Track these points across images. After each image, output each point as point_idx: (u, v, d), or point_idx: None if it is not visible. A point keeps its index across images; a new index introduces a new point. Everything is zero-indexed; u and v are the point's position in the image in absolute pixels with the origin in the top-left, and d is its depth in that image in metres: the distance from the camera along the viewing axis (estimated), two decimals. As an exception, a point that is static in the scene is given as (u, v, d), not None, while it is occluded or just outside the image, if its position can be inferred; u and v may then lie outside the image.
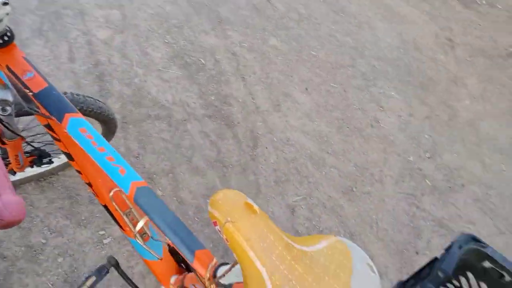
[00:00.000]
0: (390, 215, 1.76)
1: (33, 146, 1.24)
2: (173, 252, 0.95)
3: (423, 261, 1.66)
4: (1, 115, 0.85)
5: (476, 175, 2.01)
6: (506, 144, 2.20)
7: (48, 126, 0.80)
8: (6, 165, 1.25)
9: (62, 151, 0.83)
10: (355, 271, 0.55)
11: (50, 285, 1.28)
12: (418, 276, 0.64)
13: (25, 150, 1.21)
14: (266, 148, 1.85)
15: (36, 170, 1.40)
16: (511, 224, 1.86)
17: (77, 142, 0.72)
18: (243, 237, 0.52)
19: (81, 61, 1.87)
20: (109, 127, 1.31)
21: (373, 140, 2.02)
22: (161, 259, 0.91)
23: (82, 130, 0.74)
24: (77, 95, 1.10)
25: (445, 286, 0.65)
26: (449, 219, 1.80)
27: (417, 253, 1.65)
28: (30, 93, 0.75)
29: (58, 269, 1.32)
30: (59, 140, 0.80)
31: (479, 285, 0.59)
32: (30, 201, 1.44)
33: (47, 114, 0.75)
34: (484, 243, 0.54)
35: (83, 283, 0.84)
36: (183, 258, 0.93)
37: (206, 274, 0.69)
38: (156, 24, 2.17)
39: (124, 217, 0.82)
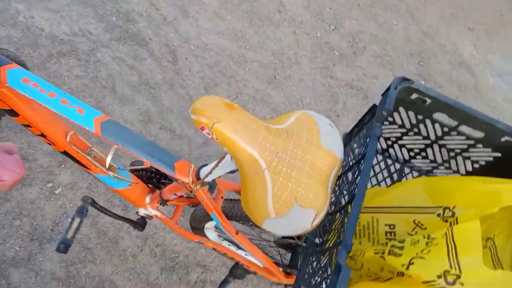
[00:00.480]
0: (311, 90, 1.97)
1: None
2: (139, 175, 1.04)
3: (345, 121, 1.94)
4: None
5: (374, 35, 2.25)
6: (395, 1, 2.44)
7: None
8: None
9: (1, 109, 0.79)
10: (321, 131, 0.69)
11: (17, 248, 1.31)
12: (361, 123, 0.81)
13: None
14: (187, 58, 1.85)
15: None
16: (406, 70, 2.19)
17: (23, 94, 0.71)
18: (232, 132, 0.62)
19: None
20: None
21: (283, 25, 2.11)
22: (133, 184, 0.99)
23: (25, 80, 0.72)
24: None
25: (382, 123, 0.83)
26: (357, 80, 2.07)
27: (338, 116, 1.92)
28: None
29: (19, 231, 1.33)
30: None
31: (407, 114, 0.78)
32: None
33: None
34: (412, 80, 0.70)
35: (69, 226, 0.91)
36: (150, 177, 1.03)
37: (189, 179, 0.80)
38: None
39: (87, 156, 0.86)
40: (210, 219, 1.01)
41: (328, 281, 0.59)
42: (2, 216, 1.32)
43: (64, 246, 0.89)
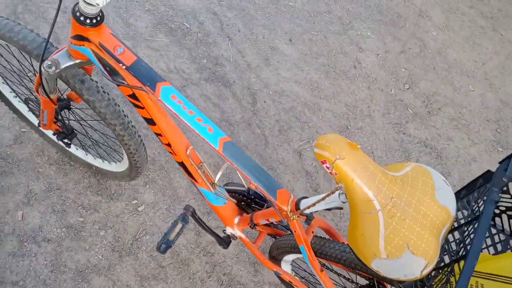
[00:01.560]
0: (382, 144, 1.97)
1: (67, 121, 1.28)
2: (234, 197, 1.10)
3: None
4: (45, 69, 0.91)
5: (449, 98, 2.25)
6: (471, 66, 2.44)
7: (132, 96, 0.88)
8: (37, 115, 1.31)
9: (143, 117, 0.92)
10: (436, 186, 0.71)
11: (100, 257, 1.40)
12: (472, 186, 0.81)
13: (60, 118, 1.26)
14: (265, 101, 1.97)
15: (56, 140, 1.42)
16: (482, 136, 2.13)
17: (170, 108, 0.83)
18: (351, 169, 0.67)
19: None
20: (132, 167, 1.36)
21: (358, 80, 2.18)
22: (226, 204, 1.06)
23: (173, 96, 0.85)
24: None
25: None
26: (431, 139, 2.05)
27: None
28: (123, 66, 0.82)
29: (103, 241, 1.44)
30: (141, 108, 0.90)
31: None
32: (57, 185, 1.51)
33: (140, 84, 0.83)
34: None
35: (172, 229, 0.98)
36: (244, 201, 1.09)
37: (287, 207, 0.84)
38: (132, -7, 2.14)
39: (198, 170, 0.96)
40: (293, 252, 1.03)
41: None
42: (90, 225, 1.43)
43: (165, 247, 0.96)
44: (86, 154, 1.47)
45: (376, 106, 2.11)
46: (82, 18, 0.80)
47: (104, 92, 1.04)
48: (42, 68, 0.92)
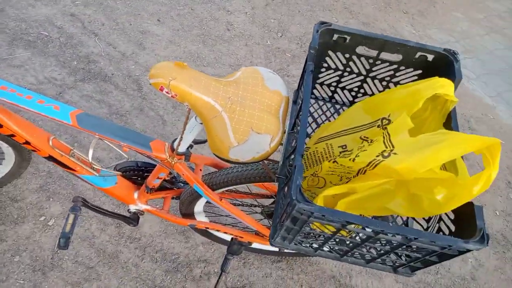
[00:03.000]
0: (273, 91, 2.10)
1: None
2: (124, 175, 1.11)
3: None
4: None
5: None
6: (330, 1, 2.67)
7: None
8: None
9: None
10: (265, 77, 0.81)
11: (21, 282, 1.34)
12: (303, 75, 0.91)
13: None
14: (150, 84, 1.97)
15: None
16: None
17: (5, 100, 0.80)
18: (187, 85, 0.73)
19: None
20: (22, 153, 1.28)
21: (235, 41, 2.27)
22: (117, 183, 1.06)
23: (3, 87, 0.81)
24: None
25: (320, 72, 0.94)
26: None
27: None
28: None
29: (20, 266, 1.36)
30: None
31: (337, 56, 0.89)
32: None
33: None
34: (330, 23, 0.82)
35: (66, 222, 0.97)
36: (134, 173, 1.11)
37: (166, 154, 0.88)
38: (-28, 15, 1.96)
39: (71, 158, 0.94)
40: (196, 198, 1.08)
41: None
42: (0, 256, 1.34)
43: (64, 240, 0.95)
44: None
45: (258, 59, 2.22)
46: None
47: None
48: None
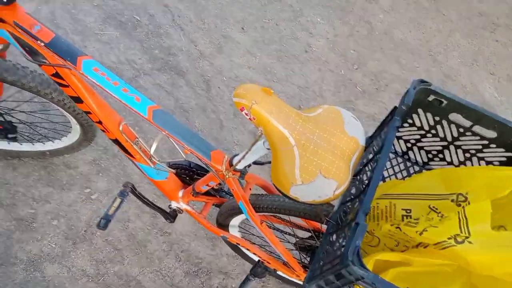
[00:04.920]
0: (336, 122, 2.06)
1: (3, 118, 1.27)
2: (176, 172, 1.13)
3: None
4: None
5: (396, 75, 2.36)
6: (416, 45, 2.57)
7: (56, 75, 0.89)
8: None
9: (70, 96, 0.93)
10: (346, 121, 0.78)
11: (53, 246, 1.40)
12: (383, 124, 0.89)
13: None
14: (219, 87, 2.01)
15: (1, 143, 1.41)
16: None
17: (94, 81, 0.84)
18: (267, 112, 0.72)
19: (14, 37, 1.83)
20: (87, 134, 1.35)
21: (309, 63, 2.26)
22: (168, 178, 1.09)
23: (95, 69, 0.86)
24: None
25: (402, 126, 0.91)
26: (379, 113, 2.15)
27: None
28: (42, 44, 0.82)
29: (56, 230, 1.43)
30: (67, 86, 0.90)
31: (426, 116, 0.85)
32: (5, 180, 1.49)
33: (61, 61, 0.84)
34: (429, 83, 0.79)
35: (111, 205, 1.00)
36: (186, 173, 1.12)
37: (222, 167, 0.89)
38: (79, -12, 2.12)
39: (134, 146, 0.98)
40: (236, 213, 1.08)
41: (345, 240, 0.64)
42: (42, 216, 1.42)
43: (105, 222, 0.98)
44: (33, 144, 1.45)
45: (327, 86, 2.19)
46: None
47: (23, 67, 1.03)
48: None
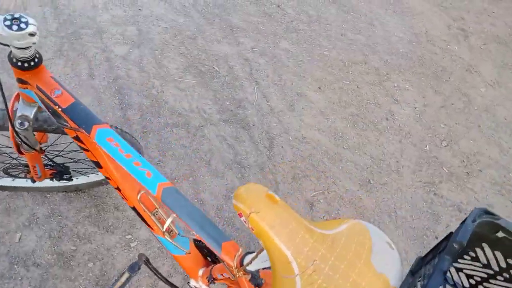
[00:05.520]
0: (408, 203, 1.77)
1: (54, 162, 1.33)
2: (199, 246, 1.02)
3: (445, 248, 1.66)
4: (19, 128, 0.94)
5: (494, 159, 2.00)
6: (526, 128, 2.18)
7: (77, 138, 0.88)
8: (27, 172, 1.35)
9: (90, 160, 0.91)
10: (375, 249, 0.59)
11: None
12: (436, 250, 0.68)
13: (47, 163, 1.31)
14: (282, 147, 1.90)
15: (57, 183, 1.47)
16: (534, 207, 1.83)
17: (105, 151, 0.80)
18: (268, 225, 0.58)
19: (100, 77, 1.99)
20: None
21: (389, 133, 2.04)
22: (188, 253, 0.98)
23: (109, 139, 0.82)
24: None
25: (462, 257, 0.69)
26: (467, 203, 1.80)
27: (436, 237, 1.66)
28: (59, 109, 0.83)
29: (89, 273, 1.41)
30: (87, 150, 0.89)
31: (494, 254, 0.63)
32: (59, 212, 1.54)
33: (76, 126, 0.83)
34: (497, 216, 0.58)
35: (118, 279, 0.92)
36: (209, 251, 1.00)
37: (233, 263, 0.75)
38: (171, 37, 2.27)
39: (152, 217, 0.90)
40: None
41: None
42: (80, 255, 1.42)
43: None
44: (88, 176, 1.49)
45: (406, 162, 1.93)
46: (19, 63, 0.80)
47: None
48: (16, 129, 0.94)
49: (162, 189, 0.79)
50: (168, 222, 0.86)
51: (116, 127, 1.10)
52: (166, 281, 1.03)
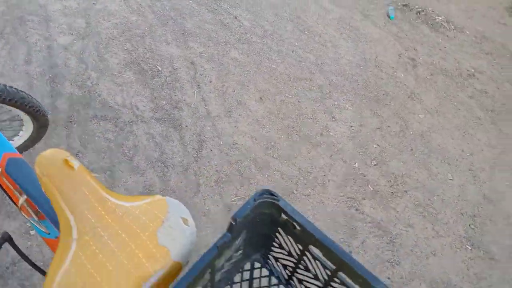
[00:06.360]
0: (328, 216, 1.77)
1: None
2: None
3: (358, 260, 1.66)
4: None
5: (421, 182, 2.03)
6: (456, 155, 2.24)
7: None
8: None
9: None
10: (166, 223, 0.59)
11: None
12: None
13: None
14: (211, 150, 1.89)
15: None
16: (450, 229, 1.86)
17: None
18: (56, 189, 0.57)
19: (37, 63, 1.95)
20: (39, 121, 1.36)
21: (321, 147, 2.06)
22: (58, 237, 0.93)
23: None
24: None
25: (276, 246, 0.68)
26: (387, 221, 1.82)
27: (350, 251, 1.66)
28: None
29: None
30: None
31: (289, 240, 0.62)
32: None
33: None
34: (277, 196, 0.57)
35: None
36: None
37: None
38: (119, 33, 2.27)
39: (16, 192, 0.85)
40: None
41: None
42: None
43: None
44: None
45: (333, 177, 1.95)
46: None
47: None
48: None
49: (6, 159, 0.76)
50: (21, 200, 0.82)
51: (11, 87, 1.08)
52: (31, 263, 0.98)
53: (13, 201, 0.90)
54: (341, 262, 0.53)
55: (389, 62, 2.80)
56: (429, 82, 2.72)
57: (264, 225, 0.62)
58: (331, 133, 2.15)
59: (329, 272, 0.56)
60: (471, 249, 1.79)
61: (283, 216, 0.57)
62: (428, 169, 2.12)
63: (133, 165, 1.73)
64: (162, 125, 1.92)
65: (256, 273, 0.70)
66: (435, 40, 3.12)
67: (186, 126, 1.95)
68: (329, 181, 1.92)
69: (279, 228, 0.61)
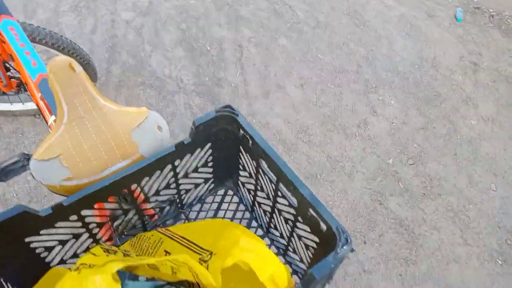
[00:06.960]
0: (348, 205, 1.75)
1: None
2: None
3: (368, 252, 1.61)
4: None
5: (458, 188, 1.91)
6: (506, 168, 2.05)
7: None
8: None
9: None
10: (142, 125, 0.68)
11: (15, 195, 1.50)
12: None
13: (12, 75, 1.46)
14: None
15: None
16: (481, 239, 1.72)
17: (4, 37, 0.94)
18: (58, 84, 0.67)
19: (100, 33, 2.17)
20: (86, 71, 1.53)
21: (355, 139, 2.03)
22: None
23: (11, 28, 0.95)
24: (52, 32, 1.30)
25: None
26: (412, 220, 1.74)
27: (364, 242, 1.62)
28: None
29: (25, 184, 1.53)
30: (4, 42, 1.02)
31: (248, 159, 0.66)
32: (22, 131, 1.69)
33: None
34: (236, 111, 0.62)
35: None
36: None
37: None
38: (177, 13, 2.43)
39: (41, 104, 1.00)
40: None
41: None
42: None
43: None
44: (23, 104, 1.66)
45: (363, 169, 1.91)
46: None
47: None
48: None
49: (41, 78, 0.90)
50: (51, 119, 0.96)
51: (44, 28, 1.21)
52: None
53: (45, 120, 1.05)
54: (279, 170, 0.56)
55: (447, 64, 2.65)
56: (490, 88, 2.52)
57: (229, 144, 0.66)
58: (369, 127, 2.10)
59: (273, 186, 0.59)
60: (501, 264, 1.64)
61: (241, 132, 0.62)
62: (469, 176, 1.98)
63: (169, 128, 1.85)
64: (202, 98, 2.03)
65: (227, 199, 0.75)
66: (505, 45, 2.87)
67: (223, 102, 2.04)
68: (357, 172, 1.89)
69: (240, 147, 0.65)
